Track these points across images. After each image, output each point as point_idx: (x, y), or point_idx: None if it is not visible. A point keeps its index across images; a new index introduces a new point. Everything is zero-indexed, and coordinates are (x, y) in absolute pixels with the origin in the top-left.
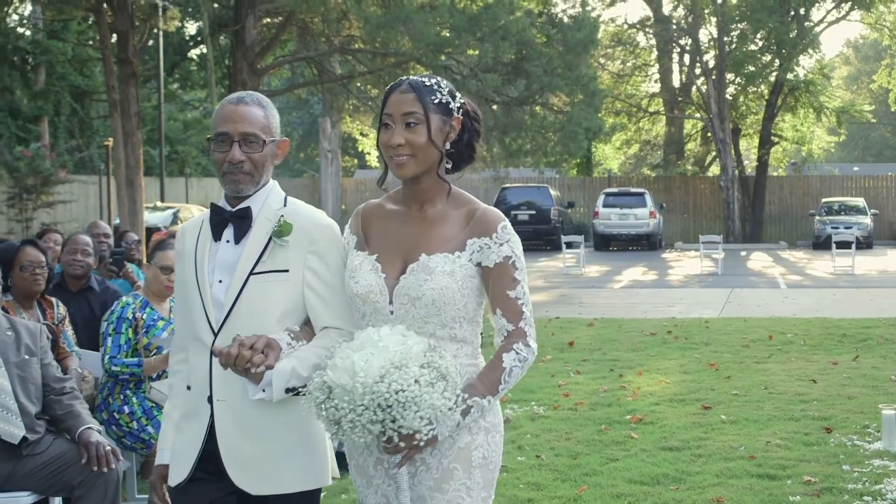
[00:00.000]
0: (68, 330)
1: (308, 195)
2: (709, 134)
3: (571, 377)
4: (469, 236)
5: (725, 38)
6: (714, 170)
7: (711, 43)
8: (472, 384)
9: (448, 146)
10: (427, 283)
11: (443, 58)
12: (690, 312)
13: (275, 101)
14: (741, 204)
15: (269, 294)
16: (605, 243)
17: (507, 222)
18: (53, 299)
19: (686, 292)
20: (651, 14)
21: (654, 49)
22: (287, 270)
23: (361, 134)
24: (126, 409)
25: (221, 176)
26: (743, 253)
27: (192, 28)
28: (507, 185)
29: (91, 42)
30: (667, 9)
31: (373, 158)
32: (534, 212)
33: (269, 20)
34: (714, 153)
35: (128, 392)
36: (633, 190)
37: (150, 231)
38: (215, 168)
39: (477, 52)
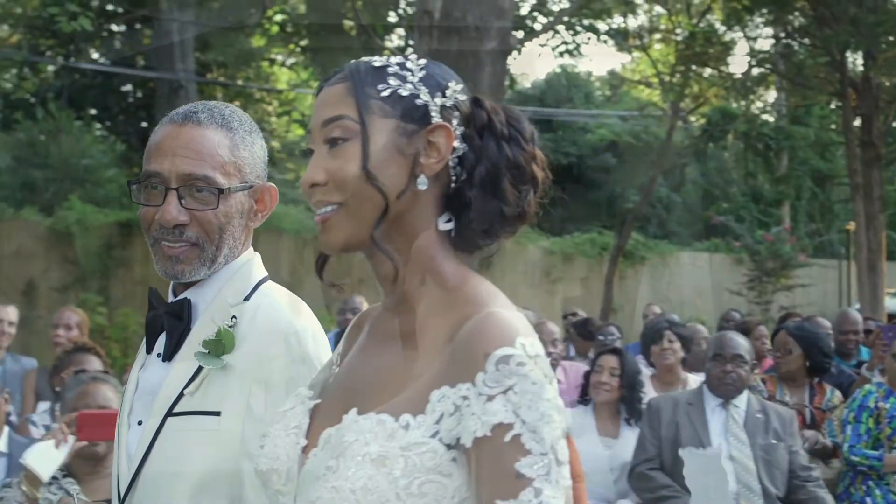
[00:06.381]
0: (834, 421)
1: None
2: None
3: None
4: (437, 382)
5: None
6: None
7: None
8: None
9: (435, 183)
10: (327, 478)
11: None
12: None
13: None
14: None
15: (186, 450)
16: None
17: (512, 350)
18: (828, 386)
19: None
20: None
21: None
22: (218, 413)
23: None
24: (868, 500)
25: (151, 244)
26: None
27: None
28: None
29: (833, 126)
30: None
31: None
32: None
33: None
34: None
35: (870, 483)
36: None
37: (892, 317)
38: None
39: None
